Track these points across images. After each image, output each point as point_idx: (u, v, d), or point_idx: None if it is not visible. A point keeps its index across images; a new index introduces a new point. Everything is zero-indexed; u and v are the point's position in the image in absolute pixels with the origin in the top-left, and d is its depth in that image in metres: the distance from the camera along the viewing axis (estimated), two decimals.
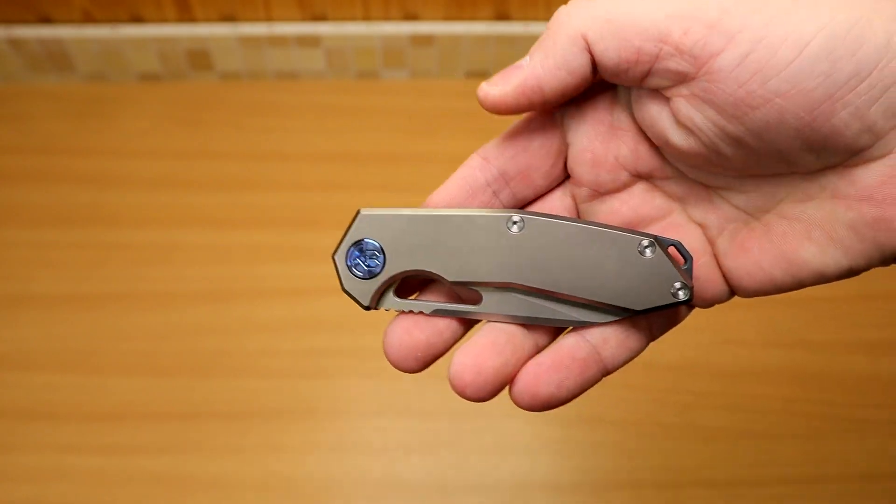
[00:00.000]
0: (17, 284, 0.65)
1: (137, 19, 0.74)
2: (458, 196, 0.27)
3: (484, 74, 0.78)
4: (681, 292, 0.25)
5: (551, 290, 0.25)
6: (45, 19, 0.74)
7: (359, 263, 0.26)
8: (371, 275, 0.26)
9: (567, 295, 0.25)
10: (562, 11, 0.24)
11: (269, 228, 0.68)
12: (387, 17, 0.74)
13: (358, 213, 0.26)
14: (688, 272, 0.25)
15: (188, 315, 0.63)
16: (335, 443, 0.57)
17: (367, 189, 0.69)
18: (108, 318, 0.63)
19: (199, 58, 0.76)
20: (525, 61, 0.24)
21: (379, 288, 0.26)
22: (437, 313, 0.26)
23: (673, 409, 0.58)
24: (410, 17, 0.74)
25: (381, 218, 0.26)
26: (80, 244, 0.67)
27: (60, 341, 0.62)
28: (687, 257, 0.25)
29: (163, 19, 0.74)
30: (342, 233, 0.26)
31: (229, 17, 0.74)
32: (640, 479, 0.55)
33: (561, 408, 0.26)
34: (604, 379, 0.26)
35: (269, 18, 0.74)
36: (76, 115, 0.75)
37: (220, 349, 0.61)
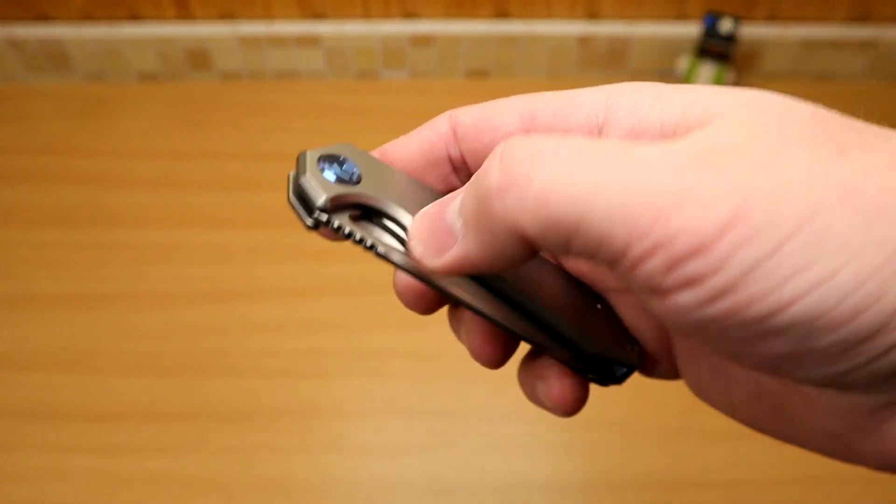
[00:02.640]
0: (17, 284, 0.64)
1: (136, 17, 0.74)
2: (414, 160, 0.23)
3: (484, 74, 0.78)
4: (632, 353, 0.23)
5: (525, 298, 0.23)
6: (44, 17, 0.74)
7: (335, 170, 0.21)
8: (345, 181, 0.21)
9: (537, 310, 0.23)
10: (494, 202, 0.16)
11: (269, 228, 0.67)
12: (386, 16, 0.74)
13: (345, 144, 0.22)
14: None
15: (188, 315, 0.63)
16: (335, 443, 0.57)
17: None
18: (108, 318, 0.63)
19: (199, 57, 0.76)
20: (458, 227, 0.18)
21: (344, 196, 0.20)
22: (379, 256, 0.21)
23: (674, 410, 0.58)
24: (410, 15, 0.74)
25: (364, 156, 0.22)
26: (80, 244, 0.67)
27: (60, 341, 0.62)
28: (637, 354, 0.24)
29: (162, 17, 0.74)
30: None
31: (229, 16, 0.74)
32: (640, 480, 0.55)
33: None
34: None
35: (268, 17, 0.74)
36: (76, 115, 0.75)
37: (220, 349, 0.61)
